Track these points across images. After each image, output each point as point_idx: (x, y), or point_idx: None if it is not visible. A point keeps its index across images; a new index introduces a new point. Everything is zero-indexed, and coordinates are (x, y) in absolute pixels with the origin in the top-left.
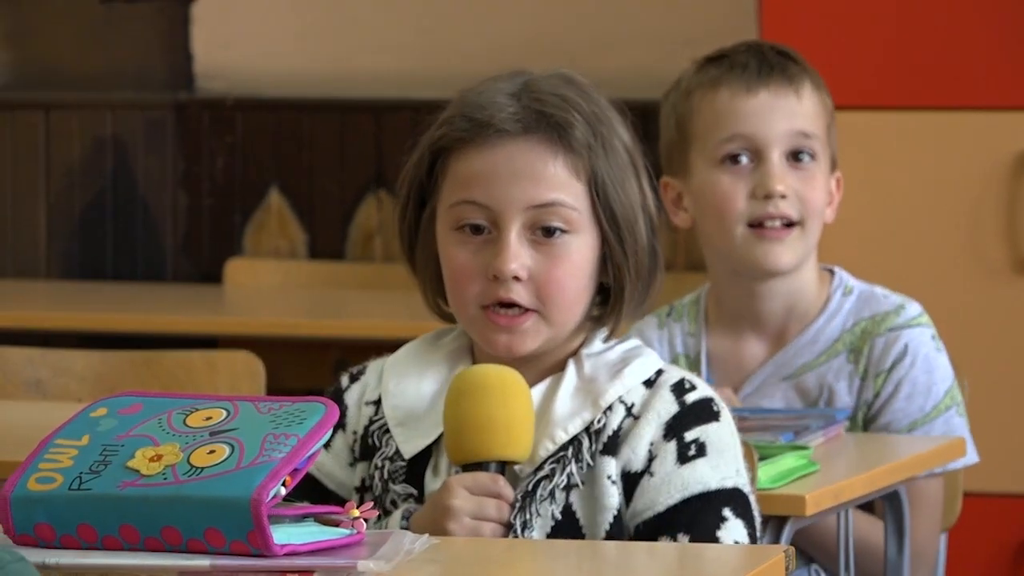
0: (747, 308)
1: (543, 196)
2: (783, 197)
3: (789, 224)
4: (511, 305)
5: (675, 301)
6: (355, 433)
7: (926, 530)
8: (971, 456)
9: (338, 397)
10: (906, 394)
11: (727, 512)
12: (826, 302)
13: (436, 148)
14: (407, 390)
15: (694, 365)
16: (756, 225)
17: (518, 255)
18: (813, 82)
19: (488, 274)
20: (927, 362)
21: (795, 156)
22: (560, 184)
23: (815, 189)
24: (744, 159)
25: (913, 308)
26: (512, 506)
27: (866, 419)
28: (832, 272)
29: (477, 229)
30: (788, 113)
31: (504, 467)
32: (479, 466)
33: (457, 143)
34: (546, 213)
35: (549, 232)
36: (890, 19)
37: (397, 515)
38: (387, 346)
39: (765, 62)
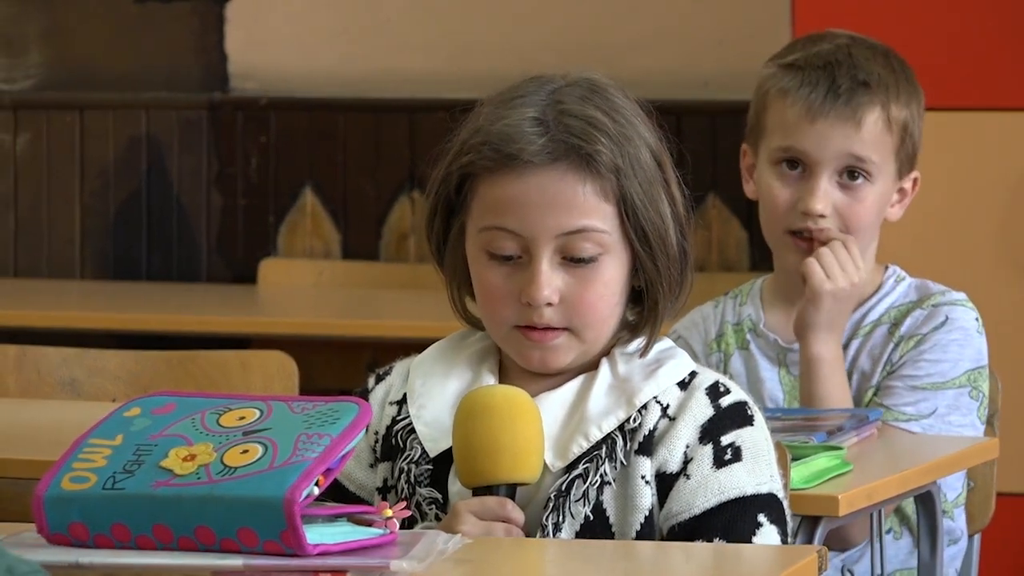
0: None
1: (574, 223)
2: (822, 216)
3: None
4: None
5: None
6: (376, 433)
7: None
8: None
9: (364, 398)
10: (935, 356)
11: (762, 518)
12: (879, 287)
13: (464, 172)
14: (432, 390)
15: (738, 331)
16: (795, 233)
17: (550, 282)
18: (884, 102)
19: (521, 299)
20: (964, 335)
21: (848, 174)
22: (590, 210)
23: (861, 208)
24: (797, 169)
25: (960, 294)
26: (542, 509)
27: (881, 380)
28: (887, 267)
29: (508, 255)
30: (844, 138)
31: (514, 489)
32: (488, 490)
33: (485, 171)
34: (577, 239)
35: (580, 256)
36: (923, 20)
37: None
38: (420, 346)
39: (833, 88)
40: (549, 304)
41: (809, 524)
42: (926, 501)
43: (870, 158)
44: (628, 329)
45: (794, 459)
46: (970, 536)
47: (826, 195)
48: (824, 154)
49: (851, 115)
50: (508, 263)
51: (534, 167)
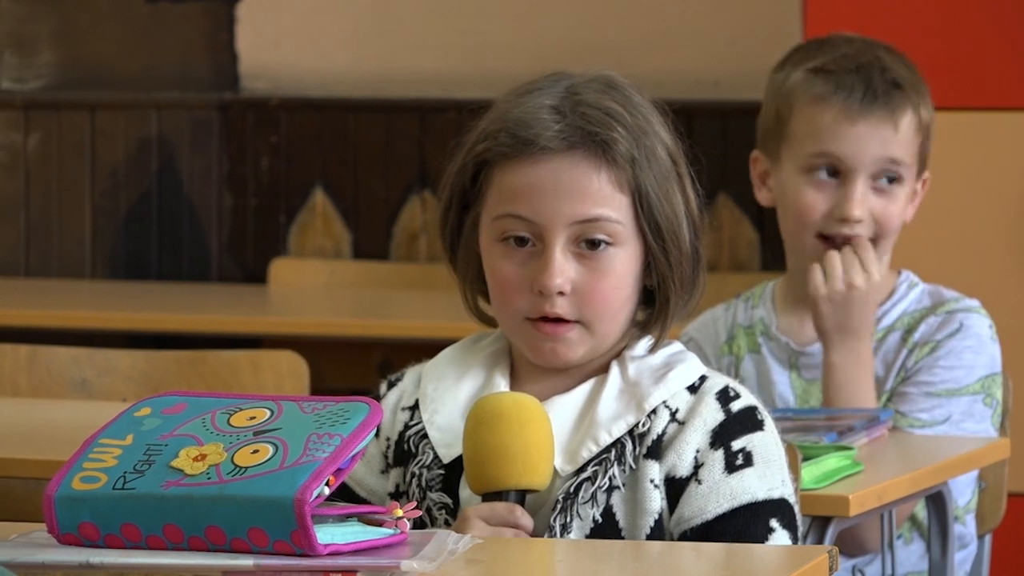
0: None
1: (588, 212)
2: (859, 222)
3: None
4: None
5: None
6: (388, 439)
7: None
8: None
9: None
10: (949, 363)
11: (774, 523)
12: (892, 292)
13: (480, 160)
14: (445, 395)
15: (749, 333)
16: (827, 238)
17: (563, 270)
18: (915, 103)
19: (533, 288)
20: (979, 342)
21: (879, 178)
22: (604, 199)
23: (894, 209)
24: (830, 176)
25: (974, 301)
26: (550, 511)
27: (895, 386)
28: (899, 272)
29: (521, 241)
30: (882, 142)
31: (524, 496)
32: (498, 495)
33: (501, 157)
34: (591, 228)
35: (594, 245)
36: (934, 21)
37: None
38: (431, 346)
39: (870, 90)
40: (561, 293)
41: (820, 524)
42: (937, 502)
43: (904, 160)
44: (638, 328)
45: (805, 459)
46: (980, 536)
47: (864, 200)
48: (862, 158)
49: (889, 116)
50: (521, 251)
51: (550, 153)
